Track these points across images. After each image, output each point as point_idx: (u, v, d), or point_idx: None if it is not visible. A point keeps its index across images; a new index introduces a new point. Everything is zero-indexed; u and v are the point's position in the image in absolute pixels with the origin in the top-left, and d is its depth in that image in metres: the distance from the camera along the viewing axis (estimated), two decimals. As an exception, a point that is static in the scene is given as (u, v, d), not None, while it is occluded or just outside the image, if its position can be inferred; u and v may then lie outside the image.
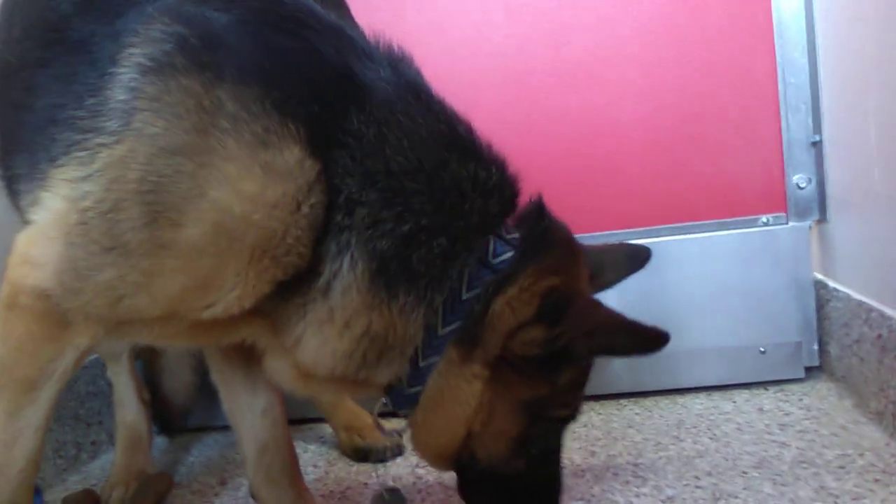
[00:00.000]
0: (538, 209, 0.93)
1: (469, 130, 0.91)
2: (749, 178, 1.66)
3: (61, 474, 1.53)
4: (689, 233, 1.66)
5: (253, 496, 1.17)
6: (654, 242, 1.60)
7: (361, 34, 0.94)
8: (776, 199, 1.66)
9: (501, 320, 0.84)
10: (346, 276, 0.83)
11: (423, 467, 1.40)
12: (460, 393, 0.87)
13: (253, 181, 0.78)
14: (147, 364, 1.55)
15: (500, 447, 0.90)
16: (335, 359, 0.86)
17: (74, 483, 1.50)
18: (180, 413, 1.60)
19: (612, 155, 1.68)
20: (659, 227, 1.67)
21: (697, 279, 1.65)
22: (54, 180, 0.84)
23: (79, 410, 1.61)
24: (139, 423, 1.47)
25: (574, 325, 0.83)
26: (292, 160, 0.79)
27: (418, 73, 0.93)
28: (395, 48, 0.93)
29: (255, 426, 1.13)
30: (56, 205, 0.83)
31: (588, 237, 1.57)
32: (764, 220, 1.66)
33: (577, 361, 0.89)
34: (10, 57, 1.03)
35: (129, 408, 1.47)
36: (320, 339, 0.86)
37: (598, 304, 0.89)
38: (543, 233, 0.90)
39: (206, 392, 1.57)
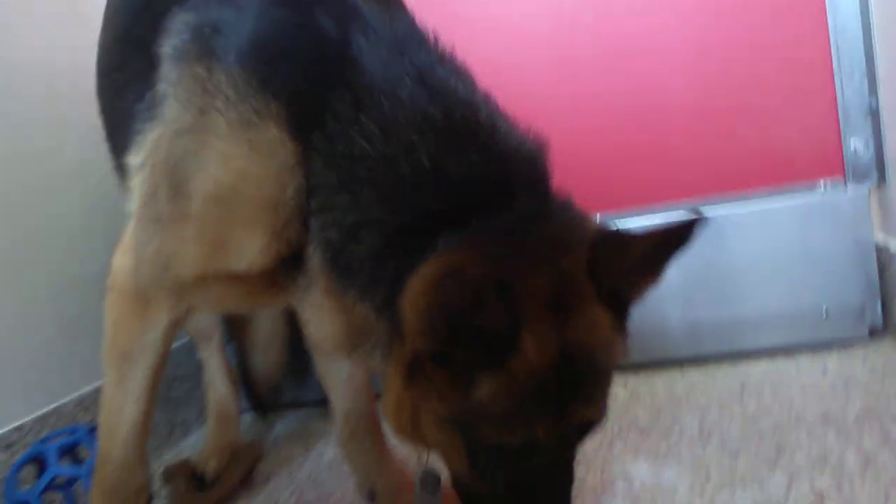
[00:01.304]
0: (505, 195, 0.80)
1: (475, 117, 0.83)
2: (805, 144, 1.68)
3: (156, 451, 1.65)
4: (748, 201, 1.68)
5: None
6: (713, 212, 1.65)
7: (395, 14, 0.91)
8: (834, 164, 1.67)
9: (401, 316, 0.74)
10: (314, 264, 0.84)
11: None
12: (391, 391, 0.82)
13: (241, 159, 0.84)
14: (237, 346, 1.67)
15: (453, 461, 0.83)
16: (332, 341, 0.89)
17: (169, 459, 1.63)
18: (269, 391, 1.71)
19: (666, 129, 1.71)
20: (717, 196, 1.70)
21: (758, 246, 1.67)
22: (130, 169, 0.95)
23: (169, 393, 1.72)
24: (229, 400, 1.59)
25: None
26: (273, 139, 0.82)
27: (433, 54, 0.88)
28: (417, 29, 0.91)
29: (340, 392, 1.23)
30: (132, 192, 0.94)
31: (648, 211, 1.65)
32: (822, 185, 1.68)
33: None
34: (107, 60, 1.17)
35: (219, 386, 1.58)
36: (317, 321, 0.91)
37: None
38: (497, 217, 0.78)
39: (292, 371, 1.69)
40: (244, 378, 1.67)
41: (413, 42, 0.88)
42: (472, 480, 0.82)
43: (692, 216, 0.75)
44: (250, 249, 0.86)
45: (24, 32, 1.50)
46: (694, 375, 1.63)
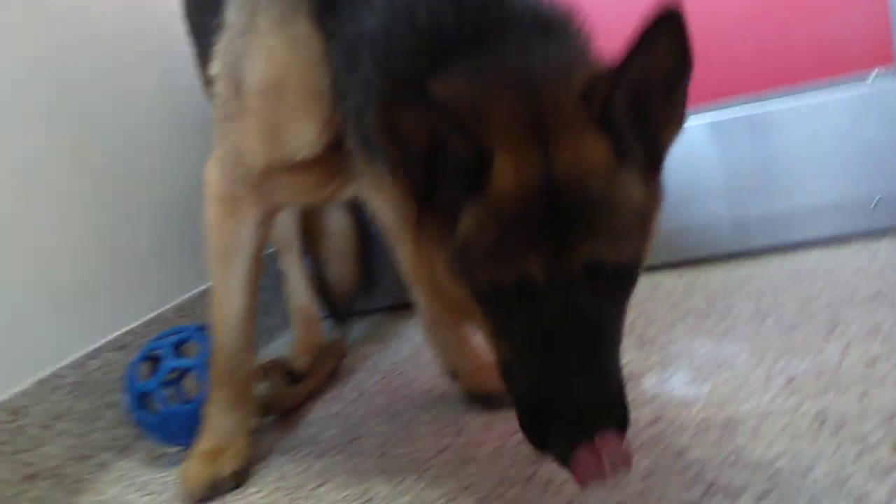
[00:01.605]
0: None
1: None
2: (855, 35, 1.70)
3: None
4: (799, 95, 1.71)
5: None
6: (763, 109, 1.69)
7: None
8: (884, 53, 1.69)
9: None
10: (354, 149, 0.91)
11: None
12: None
13: (282, 53, 0.94)
14: (313, 258, 1.78)
15: (474, 318, 0.81)
16: (394, 224, 0.98)
17: (260, 360, 1.77)
18: (344, 299, 1.83)
19: (714, 26, 1.74)
20: (767, 92, 1.73)
21: (808, 139, 1.71)
22: (212, 80, 1.07)
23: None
24: (310, 305, 1.72)
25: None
26: (304, 33, 0.92)
27: None
28: None
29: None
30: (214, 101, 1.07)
31: (699, 111, 1.69)
32: (873, 75, 1.70)
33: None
34: None
35: (300, 292, 1.71)
36: (378, 207, 1.02)
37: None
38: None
39: (364, 281, 1.81)
40: (321, 288, 1.79)
41: None
42: (498, 346, 0.79)
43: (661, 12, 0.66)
44: (303, 138, 0.96)
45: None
46: (747, 266, 1.70)
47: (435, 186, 0.76)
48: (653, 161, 0.79)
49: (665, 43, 0.69)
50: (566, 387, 0.73)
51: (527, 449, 1.07)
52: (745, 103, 1.71)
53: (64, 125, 1.43)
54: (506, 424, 1.19)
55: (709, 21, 1.73)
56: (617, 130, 0.73)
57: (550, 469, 1.03)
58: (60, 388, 1.29)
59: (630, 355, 1.33)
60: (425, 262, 0.81)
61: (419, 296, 1.31)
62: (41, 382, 1.26)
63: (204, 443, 1.19)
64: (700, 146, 1.74)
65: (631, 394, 1.16)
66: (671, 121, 0.78)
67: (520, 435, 1.12)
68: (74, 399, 1.31)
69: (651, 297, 1.62)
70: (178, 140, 1.71)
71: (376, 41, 0.84)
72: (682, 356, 1.30)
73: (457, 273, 0.76)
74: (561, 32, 0.84)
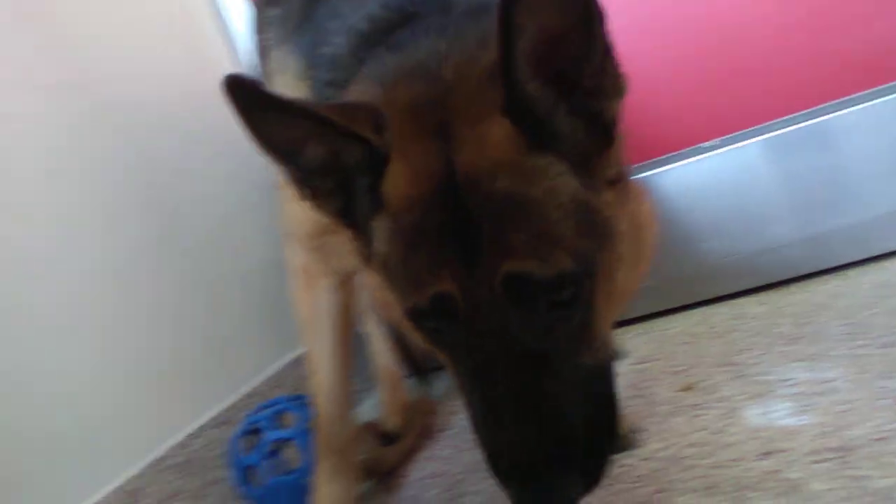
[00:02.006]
0: None
1: None
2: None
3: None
4: (858, 102, 1.68)
5: None
6: (823, 121, 1.67)
7: None
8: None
9: None
10: None
11: (646, 362, 1.56)
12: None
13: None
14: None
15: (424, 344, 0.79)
16: None
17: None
18: (424, 355, 1.84)
19: (762, 45, 1.72)
20: (825, 105, 1.70)
21: (875, 145, 1.66)
22: None
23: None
24: (393, 366, 1.74)
25: None
26: (293, 84, 0.96)
27: None
28: None
29: None
30: None
31: (756, 133, 1.68)
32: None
33: None
34: None
35: (383, 354, 1.74)
36: None
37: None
38: None
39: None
40: (399, 347, 1.82)
41: None
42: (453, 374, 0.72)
43: None
44: None
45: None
46: (830, 284, 1.65)
47: (349, 201, 0.70)
48: (597, 140, 0.69)
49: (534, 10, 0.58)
50: (506, 431, 0.64)
51: (636, 496, 1.08)
52: (805, 119, 1.69)
53: (153, 214, 1.51)
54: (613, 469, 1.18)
55: (756, 39, 1.73)
56: (529, 114, 0.64)
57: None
58: (170, 468, 1.33)
59: (725, 388, 1.31)
60: (374, 290, 0.78)
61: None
62: (152, 464, 1.30)
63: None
64: (757, 166, 1.72)
65: (733, 428, 1.16)
66: (604, 87, 0.68)
67: (626, 482, 1.13)
68: (184, 478, 1.35)
69: (736, 325, 1.59)
70: (262, 212, 1.77)
71: (330, 70, 0.83)
72: (779, 384, 1.27)
73: (390, 297, 0.70)
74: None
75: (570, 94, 0.65)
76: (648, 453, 1.20)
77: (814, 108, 1.70)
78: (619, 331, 1.79)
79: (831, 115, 1.68)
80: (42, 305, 1.23)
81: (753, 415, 1.20)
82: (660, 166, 1.76)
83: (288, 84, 0.98)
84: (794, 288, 1.69)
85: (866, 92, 1.68)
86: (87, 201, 1.37)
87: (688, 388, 1.37)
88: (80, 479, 1.20)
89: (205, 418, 1.46)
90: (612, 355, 0.78)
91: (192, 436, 1.41)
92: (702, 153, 1.74)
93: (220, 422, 1.47)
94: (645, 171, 1.76)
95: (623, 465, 1.19)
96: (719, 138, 1.73)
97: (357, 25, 0.81)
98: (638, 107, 1.76)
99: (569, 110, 0.65)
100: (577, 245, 0.64)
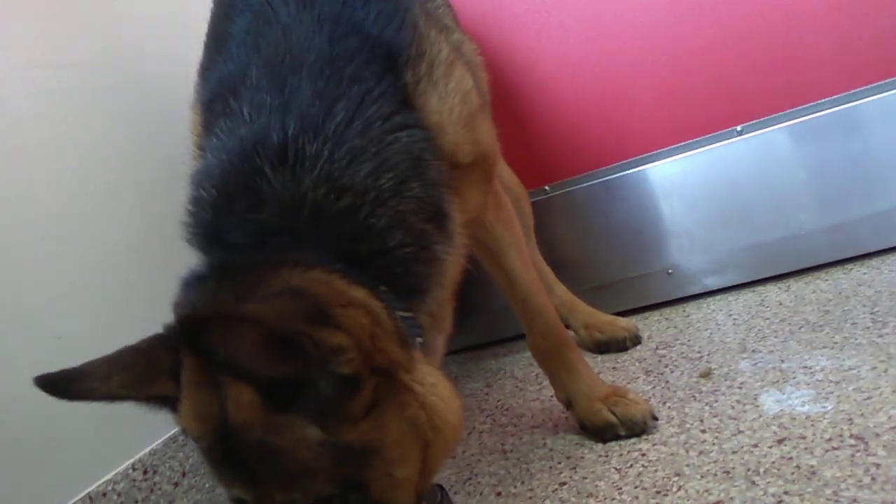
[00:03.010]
0: None
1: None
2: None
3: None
4: (885, 90, 1.64)
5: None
6: (849, 107, 1.63)
7: None
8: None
9: None
10: None
11: (665, 348, 1.55)
12: None
13: None
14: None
15: None
16: None
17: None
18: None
19: (793, 28, 1.69)
20: (851, 91, 1.67)
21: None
22: None
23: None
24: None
25: None
26: None
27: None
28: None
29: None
30: None
31: (787, 118, 1.65)
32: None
33: None
34: None
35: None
36: None
37: None
38: None
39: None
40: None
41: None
42: None
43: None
44: None
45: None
46: (856, 272, 1.62)
47: None
48: (342, 393, 0.74)
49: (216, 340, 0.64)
50: None
51: (649, 480, 1.07)
52: (837, 104, 1.66)
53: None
54: (622, 456, 1.18)
55: (785, 27, 1.70)
56: (265, 381, 0.71)
57: (677, 499, 1.01)
58: (187, 444, 1.35)
59: (744, 374, 1.30)
60: None
61: (523, 325, 1.31)
62: (170, 440, 1.32)
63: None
64: (783, 152, 1.69)
65: (750, 414, 1.15)
66: (329, 360, 0.72)
67: (640, 466, 1.12)
68: (201, 454, 1.37)
69: (758, 312, 1.57)
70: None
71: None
72: (800, 371, 1.25)
73: None
74: (308, 230, 0.82)
75: (305, 364, 0.72)
76: (664, 438, 1.19)
77: (840, 95, 1.67)
78: (639, 316, 1.78)
79: (858, 102, 1.65)
80: (67, 272, 1.25)
81: (771, 401, 1.18)
82: (685, 151, 1.74)
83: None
84: (817, 275, 1.66)
85: (893, 79, 1.64)
86: (113, 178, 1.39)
87: (706, 375, 1.35)
88: (99, 454, 1.22)
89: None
90: None
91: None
92: (727, 139, 1.71)
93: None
94: (671, 156, 1.74)
95: (637, 450, 1.18)
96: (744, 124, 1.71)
97: (193, 225, 0.91)
98: (663, 91, 1.76)
99: (309, 376, 0.73)
100: (339, 473, 0.75)
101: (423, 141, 0.91)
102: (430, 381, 0.84)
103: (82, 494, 1.16)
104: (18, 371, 1.13)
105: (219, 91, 0.95)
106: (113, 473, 1.22)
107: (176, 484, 1.31)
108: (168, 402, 0.81)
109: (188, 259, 1.45)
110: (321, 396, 0.73)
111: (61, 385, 0.79)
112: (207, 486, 1.37)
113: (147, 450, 1.28)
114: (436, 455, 0.85)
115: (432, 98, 0.96)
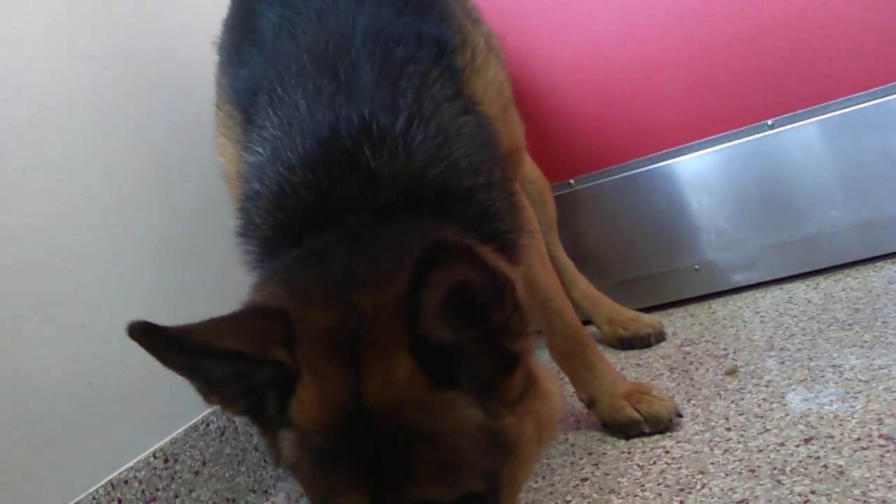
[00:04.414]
0: None
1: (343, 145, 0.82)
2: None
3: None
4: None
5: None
6: (881, 102, 1.59)
7: None
8: None
9: None
10: None
11: (690, 345, 1.53)
12: None
13: None
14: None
15: None
16: None
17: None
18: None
19: (829, 19, 1.65)
20: (884, 87, 1.62)
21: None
22: None
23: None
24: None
25: None
26: None
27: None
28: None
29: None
30: None
31: (810, 115, 1.61)
32: None
33: None
34: None
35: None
36: None
37: None
38: None
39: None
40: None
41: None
42: None
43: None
44: None
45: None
46: (887, 270, 1.59)
47: (258, 402, 0.71)
48: (502, 369, 0.70)
49: (448, 271, 0.59)
50: None
51: (673, 477, 1.05)
52: (866, 99, 1.62)
53: (208, 180, 1.53)
54: (645, 453, 1.16)
55: (805, 22, 1.65)
56: (434, 355, 0.65)
57: (701, 497, 0.99)
58: (208, 434, 1.35)
59: (771, 372, 1.27)
60: None
61: (543, 326, 1.29)
62: (190, 429, 1.33)
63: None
64: (816, 148, 1.66)
65: (777, 412, 1.13)
66: (511, 329, 0.68)
67: (663, 463, 1.10)
68: (221, 444, 1.37)
69: (786, 310, 1.54)
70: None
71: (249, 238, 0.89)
72: (828, 369, 1.22)
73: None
74: (434, 208, 0.78)
75: (478, 332, 0.67)
76: (688, 435, 1.17)
77: (875, 89, 1.63)
78: (664, 312, 1.76)
79: (891, 97, 1.61)
80: (93, 262, 1.26)
81: (798, 400, 1.16)
82: (714, 145, 1.71)
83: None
84: (848, 273, 1.63)
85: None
86: (139, 170, 1.40)
87: (732, 372, 1.33)
88: (122, 442, 1.23)
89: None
90: None
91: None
92: (757, 133, 1.68)
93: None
94: (700, 150, 1.72)
95: (661, 447, 1.16)
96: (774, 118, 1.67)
97: (272, 212, 0.83)
98: (691, 83, 1.72)
99: (475, 347, 0.67)
100: (485, 466, 0.68)
101: (486, 127, 0.90)
102: (543, 373, 0.81)
103: (104, 481, 1.17)
104: (44, 359, 1.14)
105: (260, 84, 0.93)
106: (135, 461, 1.22)
107: (196, 473, 1.31)
108: (283, 374, 0.68)
109: (214, 250, 1.47)
110: (482, 372, 0.67)
111: (167, 337, 0.65)
112: (227, 475, 1.37)
113: (168, 438, 1.29)
114: (534, 459, 0.80)
115: (478, 86, 0.95)
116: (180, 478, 1.28)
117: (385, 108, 0.81)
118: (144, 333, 0.63)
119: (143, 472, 1.22)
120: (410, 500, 0.65)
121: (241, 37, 1.04)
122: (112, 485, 1.17)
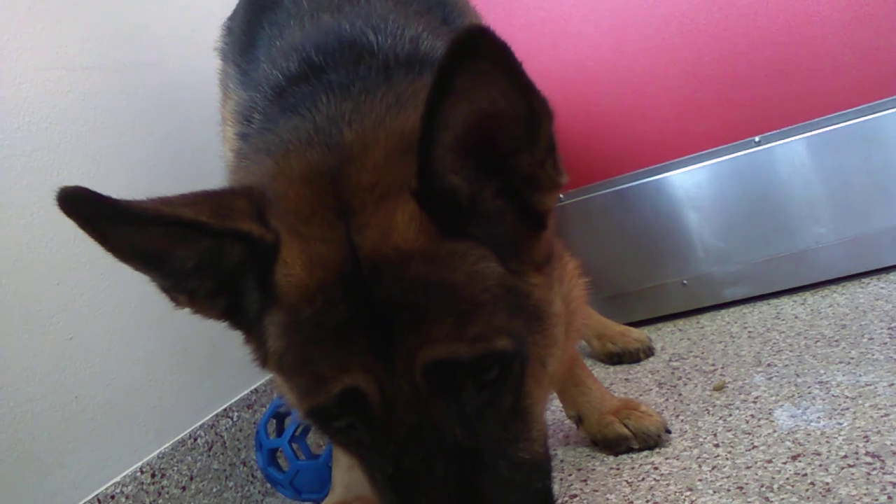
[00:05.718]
0: None
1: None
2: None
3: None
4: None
5: None
6: (868, 119, 1.61)
7: None
8: None
9: None
10: None
11: (679, 360, 1.53)
12: None
13: None
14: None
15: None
16: None
17: None
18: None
19: (815, 37, 1.67)
20: (871, 104, 1.64)
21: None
22: None
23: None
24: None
25: None
26: None
27: None
28: None
29: None
30: None
31: (808, 129, 1.62)
32: None
33: None
34: None
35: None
36: None
37: None
38: None
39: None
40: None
41: None
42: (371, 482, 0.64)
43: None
44: None
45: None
46: (874, 286, 1.60)
47: (237, 298, 0.61)
48: (527, 227, 0.62)
49: (479, 78, 0.49)
50: None
51: (661, 494, 1.05)
52: (865, 113, 1.63)
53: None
54: (634, 469, 1.16)
55: (809, 35, 1.67)
56: (446, 202, 0.56)
57: (687, 513, 1.00)
58: (196, 448, 1.35)
59: (759, 388, 1.28)
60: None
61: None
62: (179, 443, 1.32)
63: (331, 498, 1.21)
64: (802, 164, 1.67)
65: (764, 429, 1.13)
66: (540, 179, 0.61)
67: (652, 480, 1.10)
68: (208, 459, 1.37)
69: (773, 325, 1.55)
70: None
71: (239, 121, 0.86)
72: (815, 386, 1.23)
73: (291, 398, 0.61)
74: (422, 71, 0.69)
75: (502, 179, 0.59)
76: (676, 452, 1.17)
77: (861, 106, 1.65)
78: (652, 327, 1.76)
79: (880, 114, 1.63)
80: (81, 273, 1.25)
81: (786, 416, 1.16)
82: (702, 161, 1.72)
83: (227, 119, 0.98)
84: (834, 289, 1.64)
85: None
86: (127, 180, 1.39)
87: (720, 388, 1.33)
88: (108, 457, 1.22)
89: (234, 399, 1.47)
90: (548, 449, 0.68)
91: (220, 415, 1.42)
92: (745, 149, 1.70)
93: (247, 404, 1.48)
94: (688, 166, 1.73)
95: (650, 463, 1.16)
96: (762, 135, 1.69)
97: (264, 77, 0.79)
98: (680, 100, 1.74)
99: (496, 196, 0.59)
100: (508, 325, 0.58)
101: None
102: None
103: (91, 496, 1.16)
104: (31, 372, 1.13)
105: (254, 19, 0.96)
106: (121, 476, 1.21)
107: (183, 488, 1.30)
108: (249, 246, 0.58)
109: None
110: (502, 232, 0.59)
111: (103, 203, 0.57)
112: (215, 490, 1.36)
113: (155, 453, 1.28)
114: (564, 361, 0.70)
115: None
116: (167, 493, 1.27)
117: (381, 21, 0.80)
118: (76, 200, 0.54)
119: (129, 487, 1.21)
120: (421, 365, 0.54)
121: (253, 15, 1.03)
122: (98, 500, 1.16)
